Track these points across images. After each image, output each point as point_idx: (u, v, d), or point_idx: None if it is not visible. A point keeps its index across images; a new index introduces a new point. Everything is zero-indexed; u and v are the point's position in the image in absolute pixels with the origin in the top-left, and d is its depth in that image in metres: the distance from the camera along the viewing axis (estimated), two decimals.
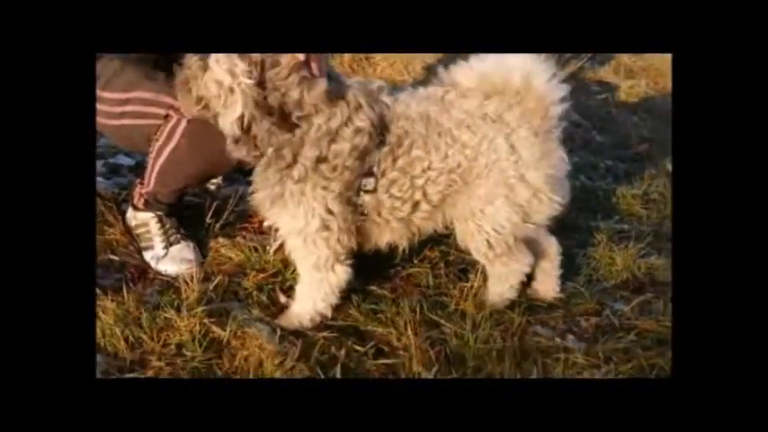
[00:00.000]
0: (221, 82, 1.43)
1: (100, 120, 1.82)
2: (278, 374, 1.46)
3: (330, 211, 1.53)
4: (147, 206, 1.86)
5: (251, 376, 1.46)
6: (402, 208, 1.58)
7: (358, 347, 1.58)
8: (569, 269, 1.89)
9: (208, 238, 1.93)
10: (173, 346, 1.52)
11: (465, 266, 1.87)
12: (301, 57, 1.46)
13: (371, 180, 1.53)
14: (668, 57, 1.30)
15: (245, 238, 1.94)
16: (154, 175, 1.80)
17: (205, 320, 1.57)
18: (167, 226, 1.86)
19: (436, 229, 1.70)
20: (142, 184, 1.86)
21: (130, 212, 1.90)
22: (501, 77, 1.58)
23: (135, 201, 1.88)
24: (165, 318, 1.57)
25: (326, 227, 1.55)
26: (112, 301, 1.59)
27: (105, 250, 1.83)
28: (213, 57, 1.44)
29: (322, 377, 1.46)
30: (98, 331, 1.52)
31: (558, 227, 1.81)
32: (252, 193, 1.62)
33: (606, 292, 1.86)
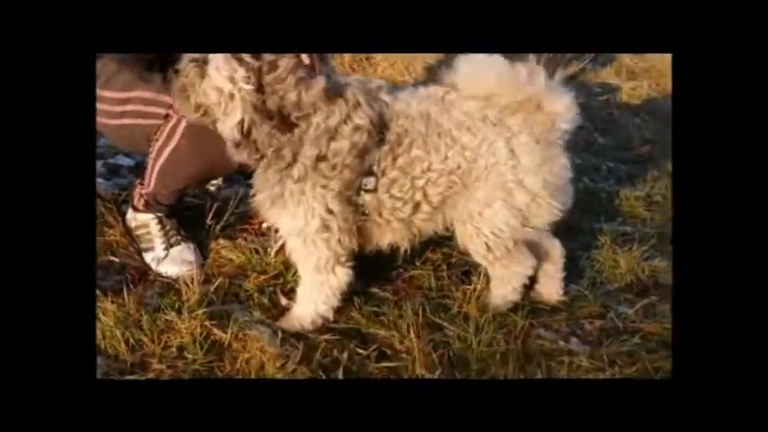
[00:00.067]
0: (221, 89, 1.43)
1: (100, 119, 1.80)
2: (279, 377, 1.45)
3: (330, 211, 1.52)
4: (148, 207, 1.85)
5: (252, 378, 1.44)
6: (403, 209, 1.57)
7: (360, 350, 1.56)
8: (573, 272, 1.88)
9: (208, 239, 1.92)
10: (173, 349, 1.51)
11: (468, 269, 1.86)
12: (306, 59, 1.45)
13: (372, 179, 1.53)
14: (669, 58, 1.30)
15: (245, 239, 1.93)
16: (154, 175, 1.79)
17: (206, 323, 1.56)
18: (168, 227, 1.85)
19: (436, 230, 1.69)
20: (142, 184, 1.85)
21: (130, 213, 1.89)
22: (510, 91, 1.56)
23: (135, 202, 1.87)
24: (166, 320, 1.56)
25: (327, 227, 1.54)
26: (113, 302, 1.58)
27: (105, 251, 1.82)
28: (211, 64, 1.43)
29: (324, 380, 1.45)
30: (98, 333, 1.51)
31: (561, 229, 1.80)
32: (253, 195, 1.61)
33: (610, 294, 1.85)
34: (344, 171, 1.49)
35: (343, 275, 1.63)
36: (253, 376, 1.45)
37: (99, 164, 2.26)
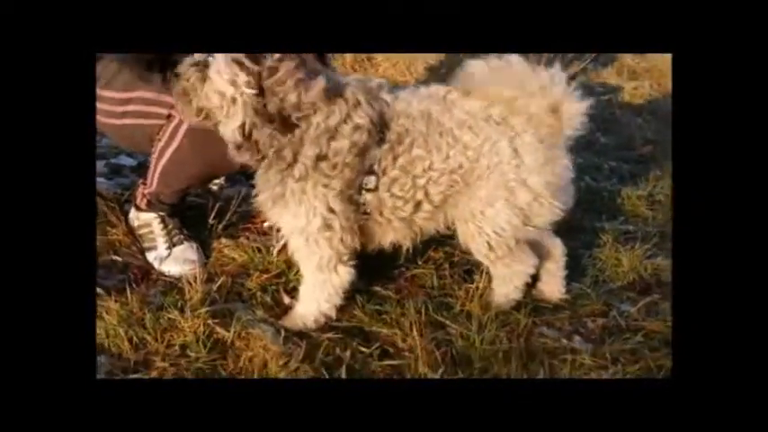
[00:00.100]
0: (223, 93, 1.43)
1: (102, 119, 1.81)
2: (282, 375, 1.45)
3: (331, 210, 1.52)
4: (150, 206, 1.85)
5: (255, 377, 1.45)
6: (404, 208, 1.57)
7: (363, 348, 1.56)
8: (575, 270, 1.88)
9: (211, 238, 1.92)
10: (177, 347, 1.51)
11: (470, 267, 1.86)
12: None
13: (373, 178, 1.53)
14: (670, 57, 1.30)
15: (248, 238, 1.93)
16: (156, 175, 1.80)
17: (209, 321, 1.56)
18: (170, 226, 1.85)
19: (438, 229, 1.69)
20: (145, 184, 1.85)
21: (133, 213, 1.89)
22: (532, 95, 1.56)
23: (138, 201, 1.87)
24: (169, 318, 1.56)
25: (328, 226, 1.54)
26: (116, 301, 1.58)
27: (108, 251, 1.82)
28: (213, 67, 1.44)
29: (327, 378, 1.45)
30: (102, 332, 1.51)
31: (563, 228, 1.80)
32: (255, 194, 1.61)
33: (613, 293, 1.85)
34: (345, 170, 1.50)
35: (345, 274, 1.63)
36: (256, 374, 1.45)
37: (101, 164, 2.27)
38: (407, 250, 1.71)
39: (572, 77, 3.59)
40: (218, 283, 1.72)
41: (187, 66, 1.47)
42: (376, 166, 1.52)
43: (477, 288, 1.74)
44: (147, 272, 1.79)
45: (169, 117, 1.72)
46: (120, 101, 1.77)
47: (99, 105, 1.78)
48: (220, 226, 1.93)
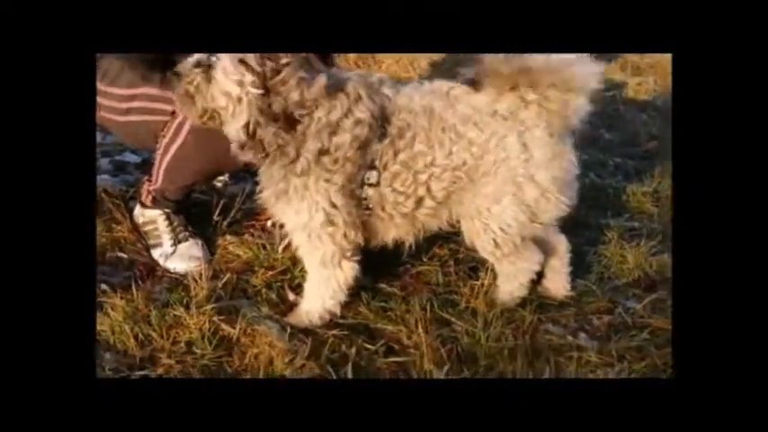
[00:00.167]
0: (229, 93, 1.44)
1: (107, 115, 1.81)
2: (288, 372, 1.45)
3: (334, 205, 1.52)
4: (155, 203, 1.85)
5: (261, 374, 1.45)
6: (405, 203, 1.57)
7: (368, 345, 1.56)
8: (580, 267, 1.87)
9: (215, 235, 1.92)
10: (182, 344, 1.51)
11: (475, 264, 1.85)
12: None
13: (374, 173, 1.53)
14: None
15: (252, 235, 1.93)
16: (161, 172, 1.80)
17: (214, 318, 1.56)
18: (175, 223, 1.85)
19: (441, 226, 1.68)
20: (150, 181, 1.85)
21: (138, 210, 1.89)
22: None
23: (143, 198, 1.88)
24: (175, 315, 1.57)
25: (331, 221, 1.54)
26: (121, 298, 1.58)
27: (113, 248, 1.83)
28: (217, 68, 1.44)
29: (333, 375, 1.45)
30: (107, 329, 1.52)
31: (568, 225, 1.79)
32: (260, 191, 1.61)
33: (618, 290, 1.85)
34: (347, 164, 1.50)
35: (349, 270, 1.63)
36: (261, 371, 1.45)
37: (106, 161, 2.27)
38: (410, 247, 1.71)
39: None
40: (224, 279, 1.72)
41: (189, 67, 1.46)
42: (377, 161, 1.52)
43: (483, 285, 1.74)
44: (152, 269, 1.79)
45: (173, 113, 1.72)
46: (124, 97, 1.77)
47: (104, 102, 1.78)
48: (225, 223, 1.93)
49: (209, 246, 1.88)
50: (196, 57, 1.47)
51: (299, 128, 1.47)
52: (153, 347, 1.50)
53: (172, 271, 1.79)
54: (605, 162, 2.74)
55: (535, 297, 1.76)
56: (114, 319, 1.53)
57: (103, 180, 2.11)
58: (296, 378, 1.44)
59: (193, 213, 1.95)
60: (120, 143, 2.32)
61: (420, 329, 1.57)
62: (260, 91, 1.42)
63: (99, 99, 1.79)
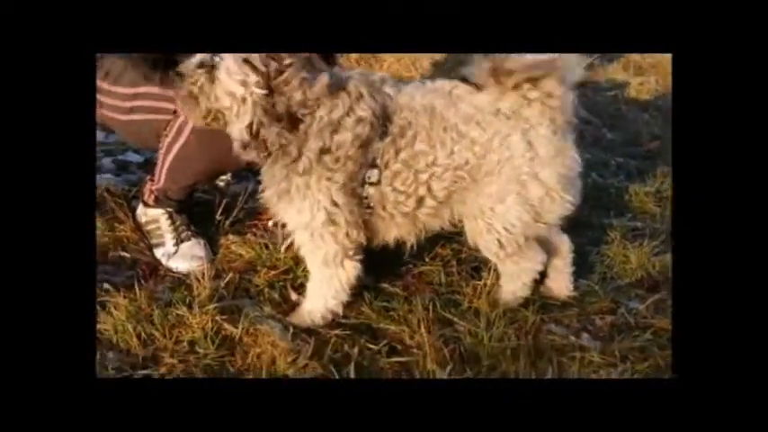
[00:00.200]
0: (234, 93, 1.44)
1: (110, 114, 1.81)
2: (291, 372, 1.45)
3: (335, 204, 1.52)
4: (158, 203, 1.85)
5: (264, 374, 1.45)
6: (406, 203, 1.57)
7: (371, 345, 1.56)
8: (582, 267, 1.87)
9: (218, 235, 1.92)
10: (185, 343, 1.52)
11: (477, 264, 1.85)
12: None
13: (375, 172, 1.53)
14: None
15: (255, 235, 1.93)
16: (164, 171, 1.80)
17: (217, 317, 1.57)
18: (178, 222, 1.85)
19: (443, 226, 1.68)
20: (152, 180, 1.85)
21: (140, 209, 1.89)
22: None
23: (145, 197, 1.88)
24: (177, 314, 1.57)
25: (333, 221, 1.54)
26: (124, 297, 1.58)
27: (116, 247, 1.83)
28: (221, 68, 1.43)
29: (336, 375, 1.45)
30: (110, 328, 1.52)
31: (571, 224, 1.79)
32: (262, 191, 1.61)
33: (621, 290, 1.84)
34: (348, 163, 1.50)
35: (351, 269, 1.63)
36: (264, 371, 1.45)
37: (108, 160, 2.27)
38: (412, 247, 1.71)
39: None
40: (226, 279, 1.72)
41: (192, 68, 1.46)
42: (378, 160, 1.52)
43: (485, 285, 1.74)
44: (154, 268, 1.79)
45: (176, 113, 1.72)
46: (128, 96, 1.77)
47: (107, 100, 1.78)
48: (227, 222, 1.93)
49: (212, 245, 1.88)
50: (198, 57, 1.46)
51: (301, 127, 1.47)
52: (156, 347, 1.50)
53: (174, 270, 1.79)
54: (607, 162, 2.74)
55: (538, 297, 1.76)
56: (117, 318, 1.53)
57: (106, 179, 2.11)
58: (298, 378, 1.44)
59: (196, 213, 1.95)
60: (122, 142, 2.32)
61: (423, 329, 1.57)
62: (264, 91, 1.42)
63: (102, 98, 1.79)
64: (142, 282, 1.70)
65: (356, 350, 1.54)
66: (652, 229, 2.12)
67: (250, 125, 1.45)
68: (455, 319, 1.65)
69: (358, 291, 1.68)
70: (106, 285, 1.66)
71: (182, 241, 1.83)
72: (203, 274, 1.69)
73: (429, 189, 1.56)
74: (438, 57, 3.82)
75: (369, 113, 1.50)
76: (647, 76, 3.99)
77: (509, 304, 1.72)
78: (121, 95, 1.78)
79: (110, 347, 1.49)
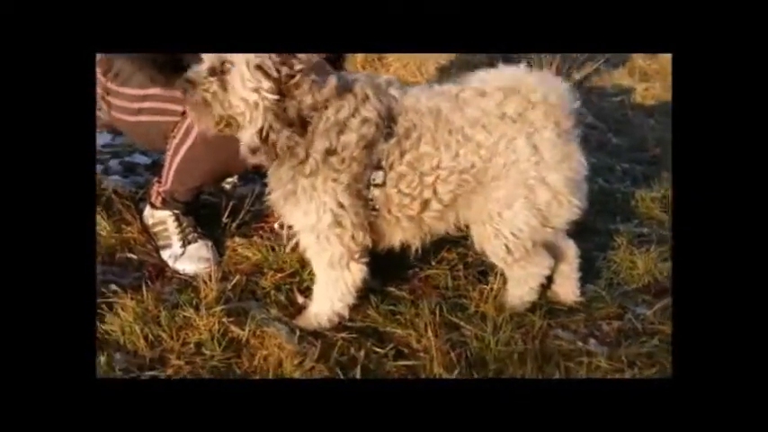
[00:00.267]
0: (247, 99, 1.44)
1: (118, 115, 1.82)
2: (297, 375, 1.45)
3: (341, 205, 1.52)
4: (165, 204, 1.86)
5: (270, 376, 1.45)
6: (411, 205, 1.57)
7: (378, 349, 1.56)
8: (589, 272, 1.87)
9: (224, 237, 1.92)
10: (192, 345, 1.52)
11: (484, 268, 1.85)
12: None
13: (380, 173, 1.53)
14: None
15: (261, 237, 1.93)
16: (171, 173, 1.80)
17: (224, 319, 1.57)
18: (184, 224, 1.86)
19: (448, 230, 1.68)
20: (159, 182, 1.86)
21: (148, 211, 1.90)
22: (521, 77, 1.56)
23: (152, 199, 1.88)
24: (184, 316, 1.57)
25: (339, 223, 1.54)
26: (132, 299, 1.58)
27: (123, 248, 1.84)
28: (233, 75, 1.44)
29: (342, 378, 1.45)
30: (117, 329, 1.52)
31: (577, 230, 1.78)
32: (269, 193, 1.62)
33: (628, 295, 1.84)
34: (353, 164, 1.50)
35: (357, 272, 1.62)
36: (271, 373, 1.45)
37: (116, 162, 2.28)
38: (417, 250, 1.71)
39: (585, 78, 3.59)
40: (233, 281, 1.73)
41: (204, 75, 1.46)
42: (384, 161, 1.52)
43: (492, 289, 1.74)
44: (161, 270, 1.79)
45: (183, 114, 1.72)
46: (136, 97, 1.78)
47: (116, 101, 1.79)
48: (234, 224, 1.94)
49: (219, 247, 1.88)
50: (207, 63, 1.47)
51: (309, 129, 1.48)
52: (163, 348, 1.50)
53: (181, 272, 1.79)
54: (613, 167, 2.74)
55: (545, 302, 1.75)
56: (124, 319, 1.53)
57: (113, 181, 2.12)
58: (305, 379, 1.43)
59: (202, 215, 1.95)
60: (129, 144, 2.33)
61: (429, 333, 1.57)
62: (276, 96, 1.43)
63: (111, 99, 1.80)
64: (149, 283, 1.70)
65: (362, 353, 1.53)
66: (659, 234, 2.11)
67: (260, 130, 1.46)
68: (462, 324, 1.65)
69: (364, 294, 1.68)
70: (113, 287, 1.66)
71: (188, 243, 1.83)
72: (210, 276, 1.69)
73: (434, 192, 1.56)
74: (444, 62, 3.83)
75: (374, 114, 1.50)
76: (652, 81, 3.99)
77: (516, 309, 1.71)
78: (130, 97, 1.79)
79: (117, 349, 1.49)
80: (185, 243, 1.83)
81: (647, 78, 4.07)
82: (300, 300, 1.72)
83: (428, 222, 1.63)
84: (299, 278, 1.78)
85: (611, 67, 4.06)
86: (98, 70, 1.80)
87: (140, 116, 1.79)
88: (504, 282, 1.74)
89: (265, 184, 1.65)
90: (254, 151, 1.49)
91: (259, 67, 1.42)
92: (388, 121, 1.52)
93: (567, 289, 1.80)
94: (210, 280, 1.67)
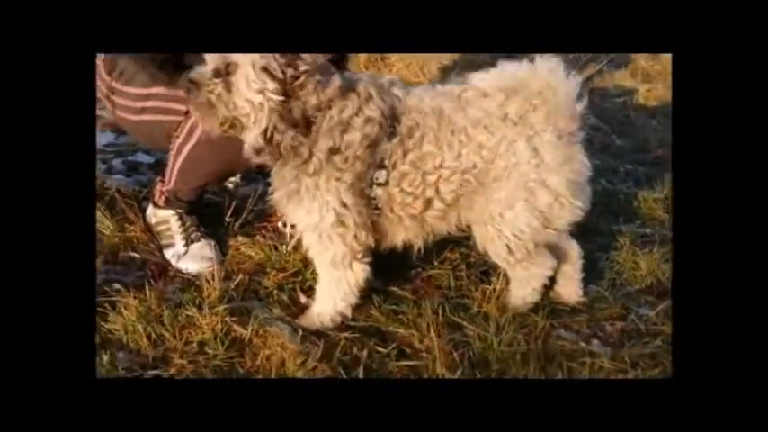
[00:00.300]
0: (252, 101, 1.44)
1: (122, 114, 1.82)
2: (300, 374, 1.45)
3: (344, 204, 1.53)
4: (168, 204, 1.86)
5: (273, 375, 1.45)
6: (414, 204, 1.57)
7: (380, 348, 1.56)
8: (592, 273, 1.86)
9: (227, 236, 1.92)
10: (195, 344, 1.52)
11: (486, 269, 1.85)
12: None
13: (383, 172, 1.53)
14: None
15: (264, 236, 1.93)
16: (175, 172, 1.81)
17: (227, 319, 1.57)
18: (187, 224, 1.86)
19: (450, 230, 1.68)
20: (163, 181, 1.86)
21: (151, 210, 1.90)
22: (523, 78, 1.56)
23: (156, 198, 1.88)
24: (187, 315, 1.57)
25: (341, 222, 1.54)
26: (135, 298, 1.59)
27: (126, 248, 1.84)
28: (238, 76, 1.44)
29: (345, 378, 1.45)
30: (120, 328, 1.52)
31: (580, 230, 1.78)
32: (272, 192, 1.62)
33: (630, 296, 1.84)
34: (356, 163, 1.50)
35: (360, 271, 1.63)
36: (273, 373, 1.45)
37: (119, 161, 2.29)
38: (419, 250, 1.71)
39: (588, 79, 3.59)
40: (236, 281, 1.73)
41: (208, 76, 1.46)
42: (386, 160, 1.53)
43: (495, 290, 1.73)
44: (164, 269, 1.79)
45: (187, 114, 1.73)
46: (139, 97, 1.78)
47: (120, 101, 1.80)
48: (237, 224, 1.94)
49: (221, 247, 1.88)
50: (212, 64, 1.47)
51: (313, 129, 1.48)
52: (165, 347, 1.50)
53: (184, 271, 1.79)
54: (616, 168, 2.74)
55: (547, 302, 1.75)
56: (128, 318, 1.53)
57: (117, 180, 2.12)
58: (307, 378, 1.43)
59: (206, 214, 1.95)
60: (133, 143, 2.33)
61: (432, 333, 1.57)
62: (281, 98, 1.43)
63: (115, 98, 1.81)
64: (152, 282, 1.70)
65: (365, 353, 1.53)
66: (661, 235, 2.11)
67: (265, 131, 1.46)
68: (464, 324, 1.65)
69: (367, 293, 1.68)
70: (116, 285, 1.67)
71: (191, 242, 1.83)
72: (213, 275, 1.69)
73: (437, 191, 1.56)
74: (446, 62, 3.83)
75: (377, 113, 1.50)
76: (654, 82, 3.99)
77: (518, 309, 1.71)
78: (133, 96, 1.79)
79: (120, 347, 1.49)
80: (188, 242, 1.83)
81: (650, 79, 4.07)
82: (303, 299, 1.72)
83: (430, 222, 1.63)
84: (302, 278, 1.78)
85: (614, 69, 4.07)
86: (103, 69, 1.81)
87: (144, 115, 1.80)
88: (507, 282, 1.74)
89: (268, 184, 1.65)
90: (258, 152, 1.49)
91: (265, 69, 1.43)
92: (391, 121, 1.52)
93: (570, 289, 1.80)
94: (213, 279, 1.67)
